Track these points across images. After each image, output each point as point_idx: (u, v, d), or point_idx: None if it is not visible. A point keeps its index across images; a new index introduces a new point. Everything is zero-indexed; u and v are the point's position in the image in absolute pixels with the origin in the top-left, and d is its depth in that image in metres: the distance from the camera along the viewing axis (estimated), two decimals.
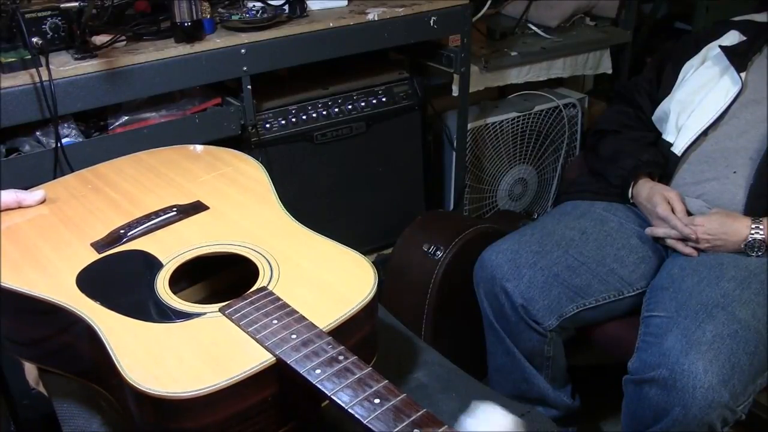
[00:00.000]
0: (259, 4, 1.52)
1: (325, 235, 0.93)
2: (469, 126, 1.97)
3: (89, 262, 0.88)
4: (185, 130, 1.43)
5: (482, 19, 2.07)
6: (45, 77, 1.23)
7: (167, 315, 0.78)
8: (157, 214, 0.98)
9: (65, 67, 1.26)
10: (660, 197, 1.41)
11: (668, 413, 1.16)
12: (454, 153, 1.95)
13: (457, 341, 1.66)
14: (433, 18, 1.64)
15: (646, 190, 1.46)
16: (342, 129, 1.70)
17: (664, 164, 1.47)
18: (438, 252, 1.64)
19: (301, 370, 0.67)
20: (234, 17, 1.49)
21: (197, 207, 1.00)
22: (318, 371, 0.67)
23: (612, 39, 2.26)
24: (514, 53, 2.06)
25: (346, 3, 1.63)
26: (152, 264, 0.88)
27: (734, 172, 1.39)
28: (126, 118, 1.39)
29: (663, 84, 1.57)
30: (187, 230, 0.95)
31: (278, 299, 0.78)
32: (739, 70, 1.42)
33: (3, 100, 1.22)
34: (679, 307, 1.23)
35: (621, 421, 1.30)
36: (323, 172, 1.72)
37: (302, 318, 0.75)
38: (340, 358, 0.69)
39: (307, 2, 1.57)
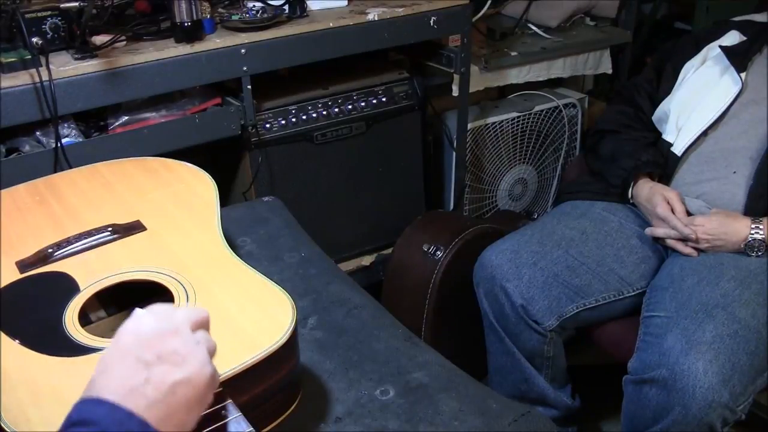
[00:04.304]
0: (259, 4, 1.52)
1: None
2: (469, 126, 1.97)
3: (7, 283, 0.85)
4: (185, 130, 1.43)
5: (482, 19, 2.07)
6: (45, 77, 1.23)
7: (66, 348, 0.75)
8: (90, 233, 0.95)
9: (65, 67, 1.26)
10: (660, 197, 1.41)
11: (668, 413, 1.16)
12: (454, 153, 1.95)
13: (457, 341, 1.66)
14: (433, 18, 1.64)
15: (645, 190, 1.46)
16: (342, 129, 1.70)
17: (663, 164, 1.47)
18: (438, 252, 1.64)
19: None
20: (234, 17, 1.49)
21: (134, 227, 0.98)
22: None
23: (612, 39, 2.25)
24: (514, 53, 2.06)
25: (346, 3, 1.63)
26: (70, 289, 0.85)
27: (734, 173, 1.39)
28: (126, 118, 1.39)
29: (663, 84, 1.57)
30: (117, 253, 0.93)
31: None
32: (739, 71, 1.42)
33: (3, 100, 1.21)
34: (679, 307, 1.23)
35: (621, 421, 1.30)
36: (323, 172, 1.72)
37: None
38: (222, 413, 0.66)
39: (307, 2, 1.57)
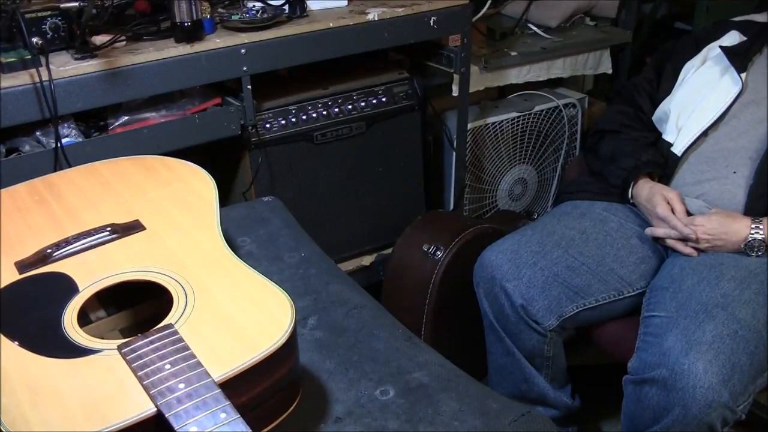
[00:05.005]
0: (259, 4, 1.52)
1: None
2: (469, 126, 1.97)
3: (6, 284, 0.85)
4: (185, 130, 1.43)
5: (482, 19, 2.07)
6: (45, 77, 1.23)
7: (64, 349, 0.75)
8: (89, 233, 0.95)
9: (65, 67, 1.26)
10: (660, 197, 1.41)
11: (668, 413, 1.16)
12: (454, 153, 1.95)
13: (457, 341, 1.66)
14: (433, 18, 1.64)
15: (645, 190, 1.46)
16: (342, 129, 1.70)
17: (663, 164, 1.47)
18: (438, 252, 1.64)
19: (177, 426, 0.65)
20: (234, 17, 1.49)
21: (133, 227, 0.98)
22: (193, 429, 0.64)
23: (612, 39, 2.26)
24: (514, 53, 2.06)
25: (346, 3, 1.63)
26: (69, 289, 0.85)
27: (734, 173, 1.39)
28: (126, 118, 1.39)
29: (663, 84, 1.57)
30: (116, 253, 0.92)
31: (179, 340, 0.75)
32: (739, 71, 1.42)
33: (3, 100, 1.21)
34: (679, 307, 1.23)
35: (621, 421, 1.30)
36: (323, 172, 1.72)
37: (197, 365, 0.71)
38: (222, 415, 0.66)
39: (307, 2, 1.57)
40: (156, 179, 1.11)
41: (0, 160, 1.27)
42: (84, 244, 0.93)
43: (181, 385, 0.69)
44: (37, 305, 0.84)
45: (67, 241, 0.93)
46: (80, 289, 0.85)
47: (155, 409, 0.67)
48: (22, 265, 0.89)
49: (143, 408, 0.67)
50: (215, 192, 1.06)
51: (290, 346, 0.77)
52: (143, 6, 1.46)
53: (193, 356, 0.73)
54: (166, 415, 0.66)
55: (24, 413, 0.67)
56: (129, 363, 0.72)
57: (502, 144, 2.12)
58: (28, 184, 1.10)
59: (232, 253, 0.92)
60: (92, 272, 0.88)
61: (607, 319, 1.42)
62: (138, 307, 0.96)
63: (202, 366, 0.71)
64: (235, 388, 0.71)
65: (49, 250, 0.91)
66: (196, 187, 1.08)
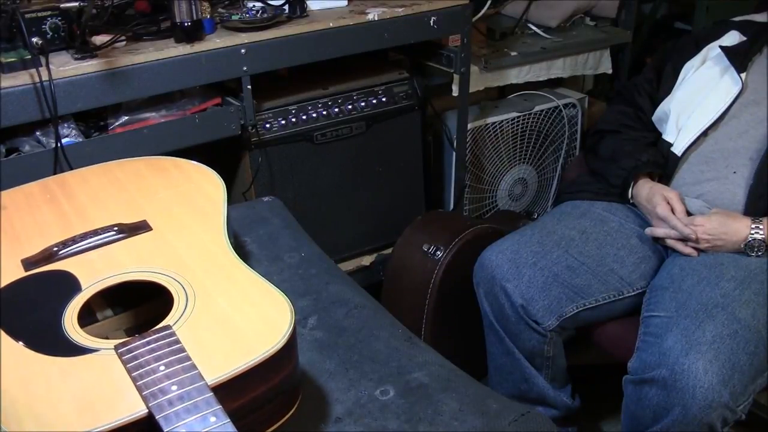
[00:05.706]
0: (259, 4, 1.52)
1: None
2: (469, 126, 1.97)
3: (11, 281, 0.86)
4: (185, 130, 1.43)
5: (482, 19, 2.07)
6: (45, 77, 1.23)
7: (62, 348, 0.75)
8: (96, 232, 0.95)
9: (65, 67, 1.26)
10: (660, 197, 1.41)
11: (668, 413, 1.16)
12: (454, 153, 1.96)
13: (457, 341, 1.66)
14: (433, 18, 1.64)
15: (645, 190, 1.46)
16: (342, 129, 1.70)
17: (663, 164, 1.47)
18: (438, 252, 1.64)
19: (166, 429, 0.64)
20: (234, 17, 1.49)
21: (140, 227, 0.98)
22: None
23: (612, 39, 2.26)
24: (514, 53, 2.06)
25: (346, 3, 1.63)
26: (72, 288, 0.85)
27: (734, 173, 1.39)
28: (126, 118, 1.39)
29: (663, 84, 1.57)
30: (121, 253, 0.93)
31: (176, 342, 0.75)
32: (739, 71, 1.42)
33: (3, 100, 1.21)
34: (679, 307, 1.23)
35: (621, 421, 1.30)
36: (323, 172, 1.72)
37: (192, 367, 0.71)
38: (212, 419, 0.66)
39: (307, 2, 1.57)
40: (166, 180, 1.11)
41: (0, 160, 1.27)
42: (90, 243, 0.93)
43: (174, 387, 0.68)
44: (39, 303, 0.84)
45: (74, 240, 0.94)
46: (83, 287, 0.85)
47: (147, 410, 0.67)
48: (28, 263, 0.89)
49: (136, 409, 0.67)
50: (224, 194, 1.06)
51: (288, 350, 0.77)
52: (143, 6, 1.46)
53: (188, 358, 0.72)
54: (157, 417, 0.66)
55: (17, 411, 0.67)
56: (124, 363, 0.72)
57: (502, 144, 2.12)
58: (41, 182, 1.11)
59: (236, 255, 0.92)
60: (96, 271, 0.88)
61: (607, 319, 1.42)
62: (143, 306, 0.96)
63: (196, 369, 0.71)
64: (232, 391, 0.71)
65: (55, 248, 0.92)
66: (205, 188, 1.08)
